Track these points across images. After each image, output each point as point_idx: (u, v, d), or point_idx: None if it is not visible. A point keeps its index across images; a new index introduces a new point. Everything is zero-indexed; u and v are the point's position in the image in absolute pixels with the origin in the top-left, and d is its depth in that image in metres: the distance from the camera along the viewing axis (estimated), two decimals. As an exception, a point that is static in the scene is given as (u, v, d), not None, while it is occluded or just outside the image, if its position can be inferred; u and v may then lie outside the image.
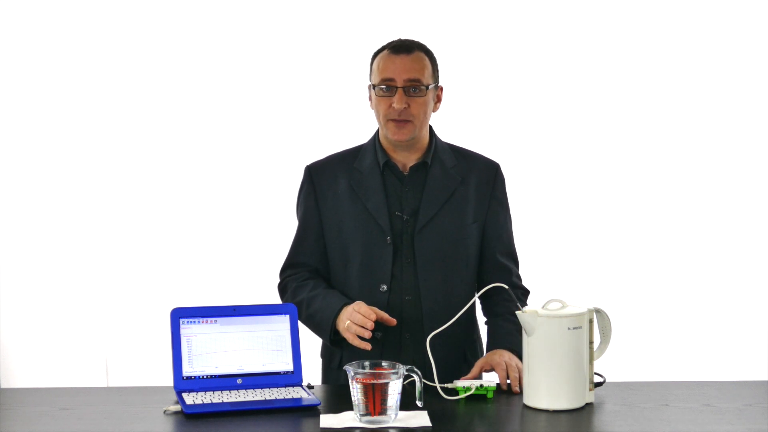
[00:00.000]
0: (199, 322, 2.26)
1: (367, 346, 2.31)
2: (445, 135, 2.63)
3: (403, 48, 2.46)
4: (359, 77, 2.68)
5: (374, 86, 2.46)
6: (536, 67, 4.12)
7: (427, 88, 2.44)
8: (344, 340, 2.41)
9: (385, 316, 2.35)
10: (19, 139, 4.10)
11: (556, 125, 4.14)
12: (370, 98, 2.51)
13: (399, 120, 2.43)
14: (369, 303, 2.39)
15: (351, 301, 2.40)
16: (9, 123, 4.10)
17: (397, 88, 2.41)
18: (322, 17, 4.10)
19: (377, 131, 2.55)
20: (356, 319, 2.32)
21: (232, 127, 4.14)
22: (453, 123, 3.19)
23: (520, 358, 2.27)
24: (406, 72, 2.42)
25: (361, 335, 2.31)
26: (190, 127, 4.14)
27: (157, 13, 4.09)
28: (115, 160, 4.12)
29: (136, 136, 4.13)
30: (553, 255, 4.06)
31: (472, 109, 4.05)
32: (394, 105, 2.41)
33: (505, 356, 2.35)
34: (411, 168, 2.51)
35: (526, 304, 2.53)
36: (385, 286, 2.45)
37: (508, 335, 2.44)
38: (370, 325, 2.30)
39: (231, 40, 4.11)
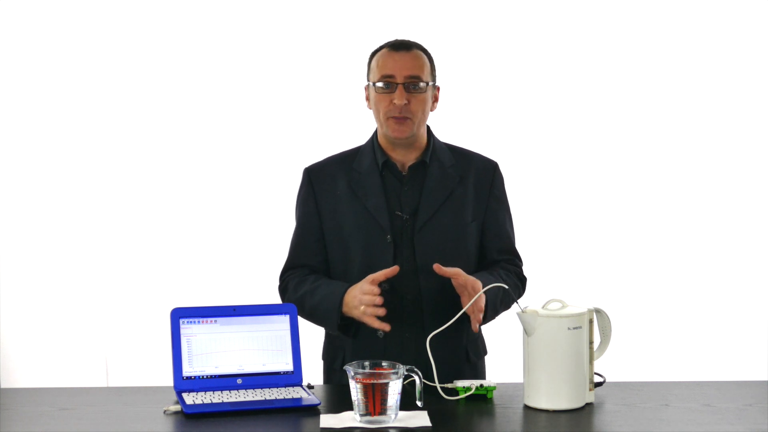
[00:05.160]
0: (199, 322, 2.26)
1: (386, 327, 2.32)
2: (444, 135, 2.63)
3: (402, 46, 2.48)
4: (357, 79, 2.68)
5: (373, 84, 2.47)
6: (535, 66, 4.12)
7: (426, 84, 2.45)
8: (352, 326, 2.43)
9: (384, 274, 2.33)
10: (19, 139, 4.11)
11: (555, 125, 4.14)
12: (367, 98, 2.52)
13: (399, 117, 2.43)
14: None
15: (352, 284, 2.40)
16: (9, 123, 4.10)
17: (397, 84, 2.42)
18: (320, 18, 4.10)
19: (375, 132, 2.56)
20: (366, 301, 2.32)
21: (232, 128, 4.14)
22: (451, 123, 3.20)
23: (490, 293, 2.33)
24: (407, 69, 2.43)
25: (376, 314, 2.31)
26: (190, 128, 4.14)
27: (157, 14, 4.09)
28: (115, 160, 4.13)
29: (136, 136, 4.13)
30: (553, 255, 4.06)
31: (471, 109, 4.05)
32: (395, 101, 2.42)
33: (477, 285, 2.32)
34: (410, 167, 2.52)
35: (521, 289, 2.56)
36: (386, 285, 2.45)
37: (491, 276, 2.44)
38: (379, 300, 2.30)
39: (230, 42, 4.12)
